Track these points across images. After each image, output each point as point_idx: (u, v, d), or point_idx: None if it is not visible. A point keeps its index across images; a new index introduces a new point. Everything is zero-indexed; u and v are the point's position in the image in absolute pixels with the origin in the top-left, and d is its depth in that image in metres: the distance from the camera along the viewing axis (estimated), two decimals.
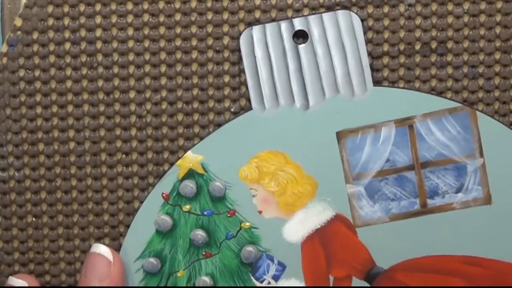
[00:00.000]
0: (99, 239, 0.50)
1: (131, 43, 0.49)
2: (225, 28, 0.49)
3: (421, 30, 0.48)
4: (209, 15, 0.49)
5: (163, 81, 0.49)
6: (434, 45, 0.48)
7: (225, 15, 0.49)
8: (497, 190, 0.48)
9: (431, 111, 0.48)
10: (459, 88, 0.49)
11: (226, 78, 0.49)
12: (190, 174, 0.49)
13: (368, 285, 0.49)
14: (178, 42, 0.49)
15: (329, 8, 0.48)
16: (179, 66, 0.49)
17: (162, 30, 0.49)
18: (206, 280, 0.50)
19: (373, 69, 0.48)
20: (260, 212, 0.49)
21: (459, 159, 0.48)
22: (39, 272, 0.50)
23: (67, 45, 0.49)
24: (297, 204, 0.49)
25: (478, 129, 0.48)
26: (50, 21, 0.49)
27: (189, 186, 0.49)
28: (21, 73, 0.49)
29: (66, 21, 0.49)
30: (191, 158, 0.49)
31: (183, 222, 0.49)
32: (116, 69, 0.49)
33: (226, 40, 0.49)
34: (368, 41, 0.48)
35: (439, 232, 0.49)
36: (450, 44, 0.48)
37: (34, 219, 0.50)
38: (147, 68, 0.49)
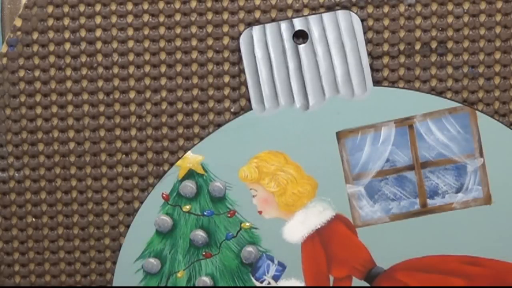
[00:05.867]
0: (99, 240, 0.50)
1: (131, 44, 0.49)
2: (225, 29, 0.49)
3: (421, 30, 0.48)
4: (209, 16, 0.49)
5: (163, 81, 0.49)
6: (434, 45, 0.48)
7: (225, 16, 0.49)
8: (497, 190, 0.48)
9: (431, 111, 0.48)
10: (459, 88, 0.49)
11: (226, 78, 0.49)
12: (190, 174, 0.49)
13: (368, 285, 0.49)
14: (178, 43, 0.49)
15: (329, 8, 0.48)
16: (179, 67, 0.49)
17: (162, 30, 0.49)
18: (206, 280, 0.50)
19: (373, 69, 0.48)
20: (260, 212, 0.49)
21: (459, 159, 0.48)
22: (39, 273, 0.50)
23: (67, 46, 0.49)
24: (297, 204, 0.49)
25: (478, 129, 0.48)
26: (50, 22, 0.49)
27: (189, 186, 0.49)
28: (21, 73, 0.49)
29: (66, 21, 0.49)
30: (191, 159, 0.49)
31: (183, 223, 0.49)
32: (116, 70, 0.49)
33: (226, 40, 0.49)
34: (368, 41, 0.48)
35: (439, 232, 0.49)
36: (450, 44, 0.48)
37: (34, 219, 0.50)
38: (147, 68, 0.49)
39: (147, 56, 0.49)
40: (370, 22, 0.48)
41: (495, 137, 0.48)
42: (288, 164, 0.48)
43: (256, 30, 0.48)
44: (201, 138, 0.49)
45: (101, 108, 0.49)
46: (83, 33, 0.49)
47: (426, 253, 0.49)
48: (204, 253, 0.50)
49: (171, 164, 0.49)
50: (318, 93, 0.48)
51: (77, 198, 0.50)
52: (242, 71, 0.49)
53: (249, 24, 0.48)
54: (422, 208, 0.49)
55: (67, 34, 0.49)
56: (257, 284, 0.50)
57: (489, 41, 0.48)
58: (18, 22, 0.49)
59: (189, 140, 0.49)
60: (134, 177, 0.50)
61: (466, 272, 0.49)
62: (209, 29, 0.49)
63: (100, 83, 0.49)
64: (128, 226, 0.50)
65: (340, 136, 0.48)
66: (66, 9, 0.48)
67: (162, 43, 0.49)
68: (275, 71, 0.48)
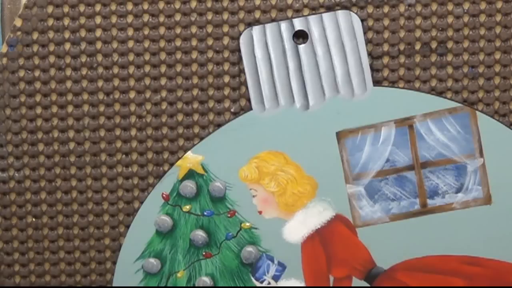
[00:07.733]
0: (99, 240, 0.50)
1: (131, 44, 0.49)
2: (225, 29, 0.49)
3: (421, 30, 0.48)
4: (209, 16, 0.49)
5: (163, 81, 0.49)
6: (434, 45, 0.48)
7: (225, 16, 0.49)
8: (497, 190, 0.48)
9: (431, 111, 0.48)
10: (459, 88, 0.49)
11: (226, 79, 0.49)
12: (190, 174, 0.49)
13: (368, 285, 0.49)
14: (178, 43, 0.49)
15: (329, 8, 0.48)
16: (179, 67, 0.49)
17: (162, 30, 0.49)
18: (206, 280, 0.50)
19: (373, 69, 0.48)
20: (260, 212, 0.49)
21: (459, 159, 0.48)
22: (39, 273, 0.50)
23: (67, 46, 0.49)
24: (297, 204, 0.49)
25: (478, 129, 0.48)
26: (50, 22, 0.49)
27: (189, 186, 0.49)
28: (21, 73, 0.49)
29: (66, 21, 0.49)
30: (191, 159, 0.49)
31: (183, 223, 0.49)
32: (116, 70, 0.49)
33: (226, 40, 0.49)
34: (368, 41, 0.48)
35: (439, 232, 0.49)
36: (450, 44, 0.48)
37: (34, 219, 0.50)
38: (147, 68, 0.49)
39: (147, 56, 0.49)
40: (370, 22, 0.48)
41: (495, 137, 0.48)
42: (288, 164, 0.48)
43: (256, 30, 0.48)
44: (201, 138, 0.49)
45: (101, 108, 0.49)
46: (83, 33, 0.49)
47: (426, 253, 0.49)
48: (204, 253, 0.50)
49: (171, 164, 0.49)
50: (318, 93, 0.48)
51: (77, 198, 0.50)
52: (242, 71, 0.49)
53: (249, 24, 0.48)
54: (422, 208, 0.49)
55: (67, 34, 0.49)
56: (257, 284, 0.50)
57: (489, 41, 0.48)
58: (18, 22, 0.49)
59: (189, 140, 0.49)
60: (134, 177, 0.50)
61: (466, 272, 0.49)
62: (209, 29, 0.49)
63: (100, 83, 0.49)
64: (128, 226, 0.50)
65: (340, 136, 0.48)
66: (66, 9, 0.49)
67: (162, 43, 0.49)
68: (275, 71, 0.48)
